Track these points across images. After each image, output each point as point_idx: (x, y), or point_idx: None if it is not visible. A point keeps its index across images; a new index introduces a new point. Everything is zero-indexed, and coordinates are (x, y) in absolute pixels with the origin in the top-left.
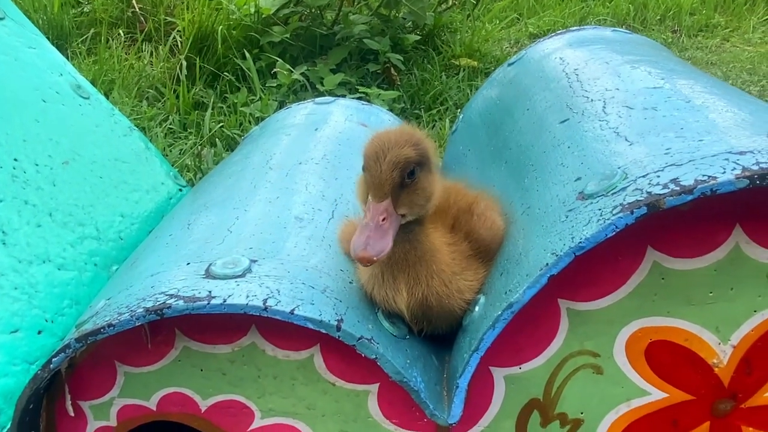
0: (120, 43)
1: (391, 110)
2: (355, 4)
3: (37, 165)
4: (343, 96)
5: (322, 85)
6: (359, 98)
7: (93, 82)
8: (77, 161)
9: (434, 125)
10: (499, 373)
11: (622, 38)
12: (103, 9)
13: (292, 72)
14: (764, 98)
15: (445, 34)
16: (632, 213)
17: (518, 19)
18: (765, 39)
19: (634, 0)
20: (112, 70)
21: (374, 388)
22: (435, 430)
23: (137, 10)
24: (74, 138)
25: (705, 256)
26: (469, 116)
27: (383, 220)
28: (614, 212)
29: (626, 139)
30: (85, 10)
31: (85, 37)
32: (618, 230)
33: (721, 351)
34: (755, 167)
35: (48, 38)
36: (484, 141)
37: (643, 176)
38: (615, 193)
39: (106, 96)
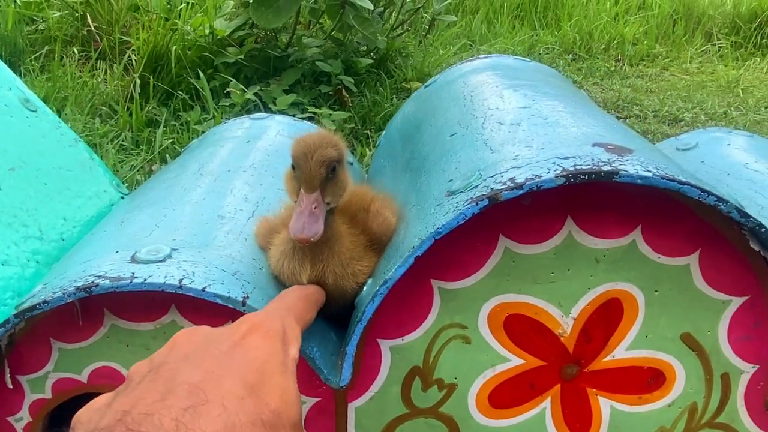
0: (74, 61)
1: (341, 130)
2: (310, 27)
3: None
4: (293, 115)
5: (275, 104)
6: (309, 118)
7: (45, 99)
8: (23, 168)
9: None
10: (385, 345)
11: (521, 65)
12: (57, 27)
13: (245, 92)
14: (696, 124)
15: (398, 59)
16: (477, 204)
17: (470, 45)
18: (701, 69)
19: (581, 30)
20: (66, 87)
21: None
22: (333, 396)
23: (92, 28)
24: (21, 147)
25: (545, 242)
26: (390, 132)
27: (315, 208)
28: (465, 204)
29: (491, 149)
30: (39, 27)
31: (38, 54)
32: (467, 218)
33: (565, 322)
34: (572, 168)
35: (0, 55)
36: (399, 153)
37: (492, 176)
38: (470, 189)
39: (59, 113)
